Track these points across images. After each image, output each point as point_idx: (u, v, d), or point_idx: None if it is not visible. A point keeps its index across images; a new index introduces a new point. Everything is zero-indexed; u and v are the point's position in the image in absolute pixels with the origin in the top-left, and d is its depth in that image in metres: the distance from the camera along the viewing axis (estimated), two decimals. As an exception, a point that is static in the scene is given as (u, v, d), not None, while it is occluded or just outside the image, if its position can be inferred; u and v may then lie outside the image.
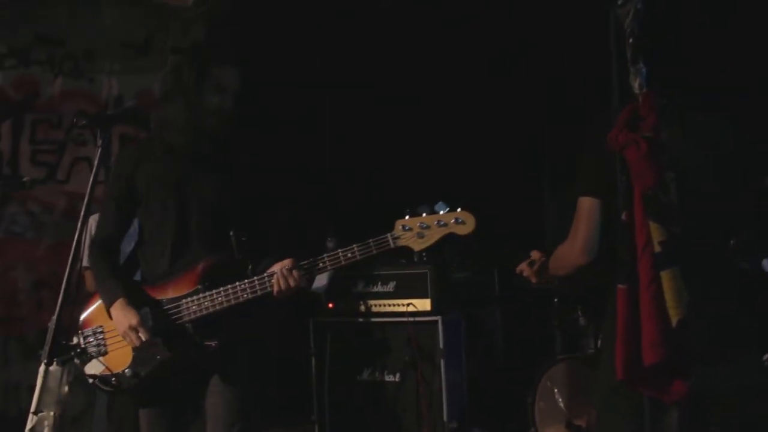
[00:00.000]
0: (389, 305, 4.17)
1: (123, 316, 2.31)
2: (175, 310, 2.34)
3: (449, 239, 2.33)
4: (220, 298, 2.30)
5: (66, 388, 2.12)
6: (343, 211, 4.88)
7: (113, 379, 2.36)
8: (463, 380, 4.17)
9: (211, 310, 2.31)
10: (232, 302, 2.31)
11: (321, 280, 4.39)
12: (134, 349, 2.35)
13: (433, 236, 2.29)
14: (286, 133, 4.80)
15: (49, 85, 4.41)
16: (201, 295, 2.32)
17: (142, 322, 2.29)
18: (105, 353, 2.41)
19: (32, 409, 2.07)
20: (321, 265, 2.31)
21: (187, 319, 2.33)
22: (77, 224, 2.21)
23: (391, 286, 4.21)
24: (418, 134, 4.84)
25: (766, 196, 2.25)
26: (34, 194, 4.24)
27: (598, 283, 2.30)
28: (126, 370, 2.35)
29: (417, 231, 2.29)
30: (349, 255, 2.29)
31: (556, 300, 4.12)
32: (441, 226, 2.28)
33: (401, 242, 2.30)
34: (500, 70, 4.73)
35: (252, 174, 2.49)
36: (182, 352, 2.34)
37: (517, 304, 4.49)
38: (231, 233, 2.33)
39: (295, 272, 2.27)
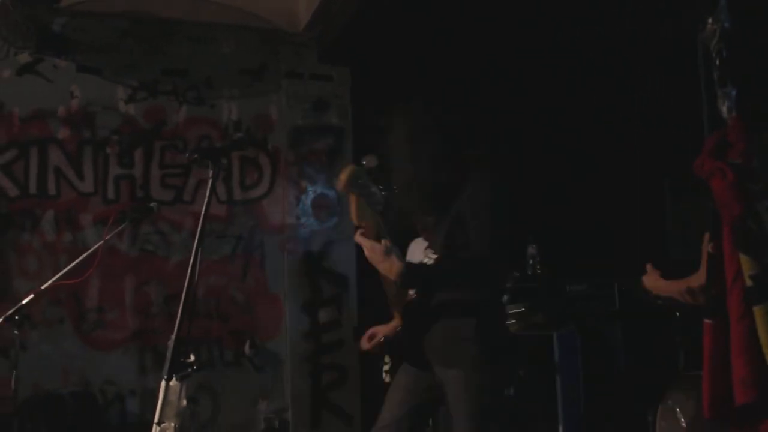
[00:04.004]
0: (502, 318, 4.14)
1: None
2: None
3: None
4: None
5: (184, 402, 2.28)
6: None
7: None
8: (580, 395, 4.06)
9: None
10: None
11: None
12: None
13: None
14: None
15: (174, 113, 4.68)
16: None
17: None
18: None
19: (155, 420, 2.25)
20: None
21: None
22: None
23: (504, 299, 4.18)
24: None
25: None
26: (164, 215, 4.50)
27: None
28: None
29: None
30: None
31: (677, 314, 3.90)
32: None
33: None
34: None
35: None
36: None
37: (638, 318, 4.30)
38: None
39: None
